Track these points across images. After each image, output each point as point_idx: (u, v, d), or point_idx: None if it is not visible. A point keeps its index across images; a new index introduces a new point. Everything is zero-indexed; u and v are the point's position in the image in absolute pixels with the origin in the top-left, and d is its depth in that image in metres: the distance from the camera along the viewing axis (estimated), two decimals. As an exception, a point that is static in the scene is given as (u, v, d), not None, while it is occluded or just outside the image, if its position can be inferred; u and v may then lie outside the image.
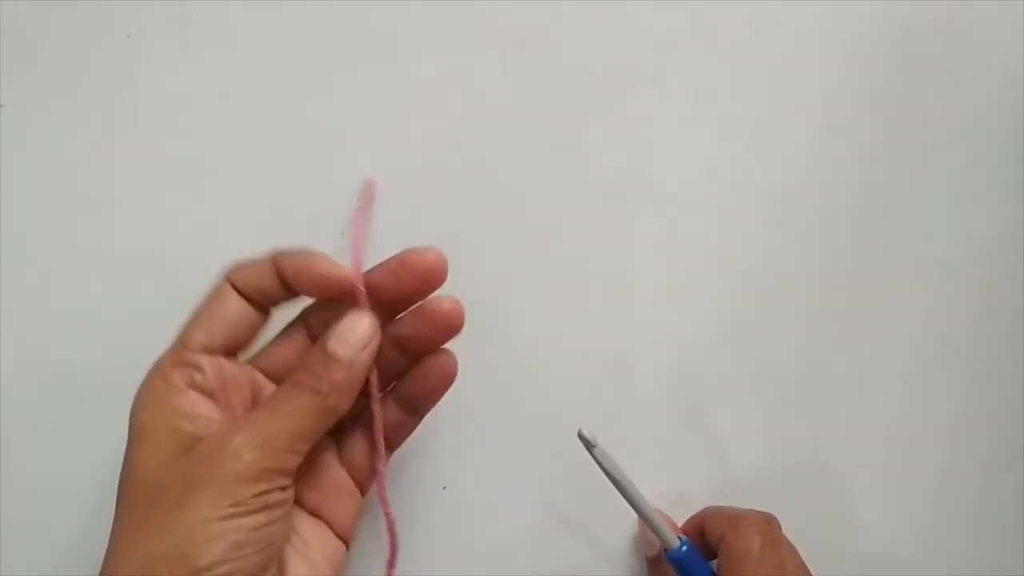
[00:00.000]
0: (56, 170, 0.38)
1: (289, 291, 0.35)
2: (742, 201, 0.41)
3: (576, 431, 0.34)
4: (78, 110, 0.38)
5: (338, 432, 0.38)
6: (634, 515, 0.37)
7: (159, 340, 0.38)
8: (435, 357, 0.36)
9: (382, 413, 0.36)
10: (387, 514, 0.38)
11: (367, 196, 0.38)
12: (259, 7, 0.38)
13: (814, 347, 0.42)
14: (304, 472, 0.35)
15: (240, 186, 0.38)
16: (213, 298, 0.35)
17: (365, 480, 0.38)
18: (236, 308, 0.35)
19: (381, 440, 0.36)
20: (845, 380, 0.42)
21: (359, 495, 0.37)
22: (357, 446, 0.37)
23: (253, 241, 0.39)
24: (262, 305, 0.36)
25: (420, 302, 0.36)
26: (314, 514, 0.36)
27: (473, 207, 0.39)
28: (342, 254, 0.38)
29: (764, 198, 0.41)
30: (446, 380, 0.37)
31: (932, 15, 0.42)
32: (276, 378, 0.36)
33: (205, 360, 0.34)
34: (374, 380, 0.36)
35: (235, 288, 0.35)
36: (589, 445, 0.34)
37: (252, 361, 0.36)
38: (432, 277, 0.35)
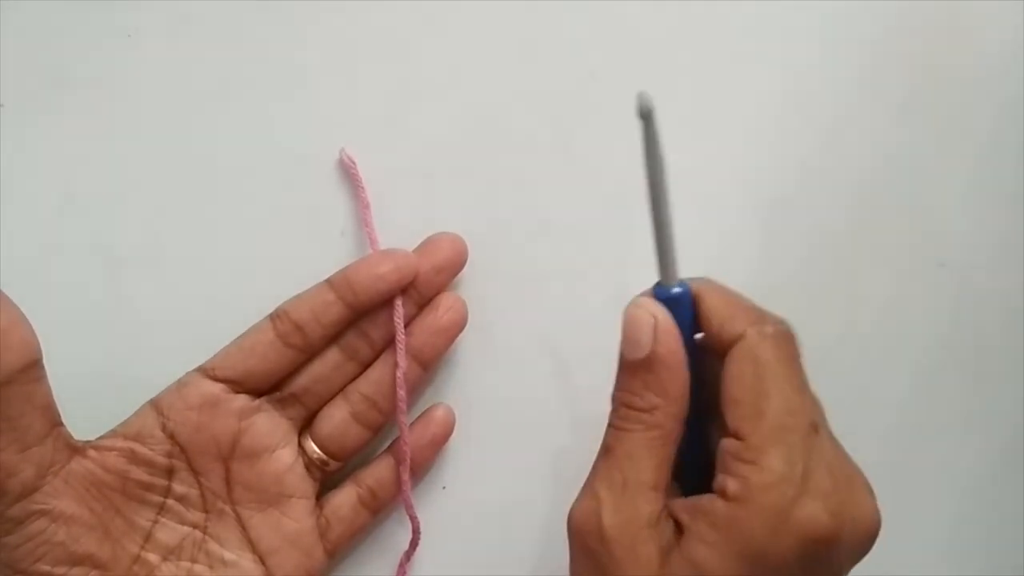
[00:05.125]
0: (56, 170, 0.38)
1: (349, 310, 0.36)
2: (742, 201, 0.41)
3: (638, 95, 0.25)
4: (78, 110, 0.38)
5: (328, 478, 0.38)
6: None
7: (159, 340, 0.38)
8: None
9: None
10: (412, 517, 0.39)
11: (355, 179, 0.38)
12: (259, 7, 0.38)
13: (813, 348, 0.41)
14: (271, 517, 0.36)
15: (240, 186, 0.38)
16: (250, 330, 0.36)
17: (341, 536, 0.37)
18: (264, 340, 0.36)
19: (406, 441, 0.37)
20: (845, 381, 0.42)
21: (320, 556, 0.37)
22: (345, 500, 0.38)
23: (253, 241, 0.39)
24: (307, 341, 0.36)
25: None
26: (261, 560, 0.36)
27: (472, 207, 0.39)
28: (343, 253, 0.39)
29: (764, 198, 0.41)
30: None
31: (932, 15, 0.42)
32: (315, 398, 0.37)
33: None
34: (401, 335, 0.36)
35: (278, 323, 0.36)
36: (645, 113, 0.26)
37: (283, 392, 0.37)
38: (459, 257, 0.38)
